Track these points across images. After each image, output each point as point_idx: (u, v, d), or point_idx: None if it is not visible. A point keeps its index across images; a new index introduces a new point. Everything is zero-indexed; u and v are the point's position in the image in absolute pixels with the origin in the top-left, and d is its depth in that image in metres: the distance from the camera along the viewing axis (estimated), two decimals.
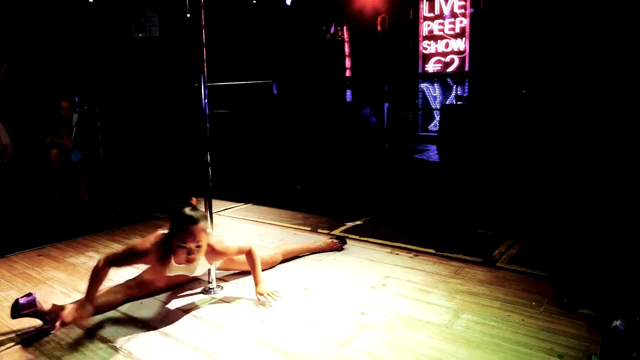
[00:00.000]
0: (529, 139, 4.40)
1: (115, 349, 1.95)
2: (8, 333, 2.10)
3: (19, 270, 2.87)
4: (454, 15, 7.56)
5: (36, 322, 2.10)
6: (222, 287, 2.54)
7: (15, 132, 4.94)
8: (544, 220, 3.74)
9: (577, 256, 2.95)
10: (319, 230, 3.61)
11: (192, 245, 2.09)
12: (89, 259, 3.06)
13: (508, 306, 2.27)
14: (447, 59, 7.68)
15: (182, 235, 2.07)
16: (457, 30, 7.53)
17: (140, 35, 7.70)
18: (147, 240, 2.18)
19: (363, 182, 5.26)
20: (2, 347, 1.98)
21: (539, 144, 4.34)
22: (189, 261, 2.14)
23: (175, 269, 2.24)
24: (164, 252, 2.15)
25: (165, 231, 2.18)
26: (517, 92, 5.46)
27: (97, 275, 2.09)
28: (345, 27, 8.62)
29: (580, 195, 3.94)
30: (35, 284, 2.65)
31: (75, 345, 1.99)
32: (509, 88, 5.75)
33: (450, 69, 7.68)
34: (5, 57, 5.76)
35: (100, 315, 2.24)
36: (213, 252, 2.26)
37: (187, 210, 2.10)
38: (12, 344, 2.01)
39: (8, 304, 2.38)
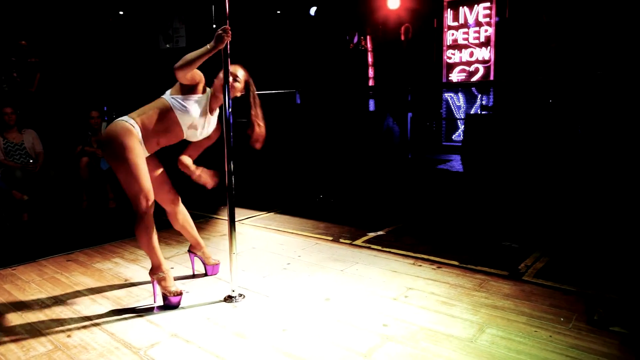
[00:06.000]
0: (556, 150, 4.30)
1: (139, 355, 1.98)
2: (40, 336, 2.16)
3: (48, 275, 2.95)
4: (478, 24, 7.50)
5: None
6: (244, 296, 2.55)
7: (47, 140, 5.11)
8: (572, 234, 3.64)
9: (608, 271, 2.86)
10: (341, 240, 3.60)
11: None
12: (115, 265, 3.13)
13: (535, 321, 2.22)
14: (472, 68, 7.61)
15: None
16: (482, 39, 7.47)
17: (167, 46, 7.90)
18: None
19: (386, 192, 5.23)
20: (34, 353, 2.03)
21: (566, 155, 4.23)
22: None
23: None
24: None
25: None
26: (543, 102, 5.35)
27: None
28: (368, 37, 8.65)
29: (610, 208, 3.83)
30: (63, 289, 2.72)
31: (101, 350, 2.02)
32: (535, 98, 5.64)
33: (474, 78, 7.61)
34: (38, 68, 5.99)
35: (124, 319, 2.29)
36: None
37: None
38: (43, 349, 2.06)
39: (39, 308, 2.46)
